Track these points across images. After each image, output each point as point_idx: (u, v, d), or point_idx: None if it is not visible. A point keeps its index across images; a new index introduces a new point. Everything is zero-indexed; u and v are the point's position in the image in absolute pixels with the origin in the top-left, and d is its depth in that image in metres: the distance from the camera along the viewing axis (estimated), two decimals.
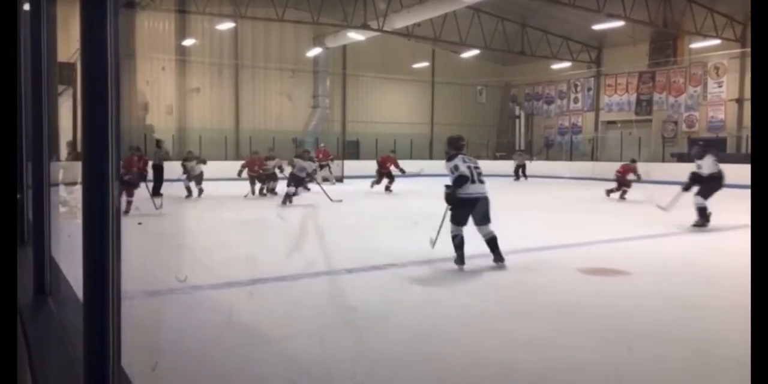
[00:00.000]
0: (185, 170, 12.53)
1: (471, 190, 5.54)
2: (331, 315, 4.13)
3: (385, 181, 15.32)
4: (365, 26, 20.95)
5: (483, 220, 5.58)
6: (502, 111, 30.76)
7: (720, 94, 22.02)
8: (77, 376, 1.36)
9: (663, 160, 22.02)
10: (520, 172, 21.76)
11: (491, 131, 29.82)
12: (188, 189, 12.48)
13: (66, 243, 2.41)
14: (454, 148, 5.84)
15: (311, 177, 11.79)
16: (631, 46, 23.93)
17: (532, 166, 22.66)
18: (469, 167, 5.59)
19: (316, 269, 5.42)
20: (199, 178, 12.61)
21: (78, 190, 1.28)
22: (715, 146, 21.20)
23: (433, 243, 5.87)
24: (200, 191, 12.67)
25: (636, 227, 8.81)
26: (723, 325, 3.91)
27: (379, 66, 26.07)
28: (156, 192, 12.15)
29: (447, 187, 5.58)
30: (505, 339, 3.60)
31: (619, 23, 19.54)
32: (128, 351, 1.35)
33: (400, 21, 20.61)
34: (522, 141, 28.61)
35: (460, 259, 5.53)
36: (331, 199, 11.13)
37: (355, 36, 22.31)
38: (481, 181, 5.64)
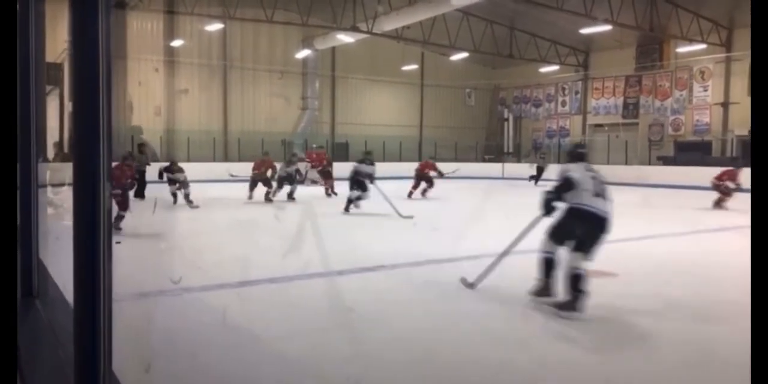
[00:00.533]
0: (170, 179, 11.64)
1: (589, 202, 4.20)
2: (324, 316, 4.11)
3: (423, 185, 14.59)
4: (354, 28, 20.96)
5: (588, 247, 4.15)
6: (490, 114, 30.89)
7: (705, 98, 22.27)
8: (67, 379, 1.35)
9: (650, 164, 22.22)
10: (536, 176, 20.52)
11: (480, 134, 29.94)
12: (174, 195, 11.70)
13: (54, 245, 2.38)
14: (573, 157, 4.64)
15: (371, 181, 10.84)
16: (618, 49, 24.14)
17: (524, 168, 22.63)
18: (593, 178, 4.33)
19: (310, 271, 5.39)
20: (184, 185, 11.55)
21: (65, 191, 1.26)
22: (701, 150, 21.50)
23: (472, 285, 4.78)
24: (186, 195, 11.51)
25: (630, 228, 8.83)
26: (719, 325, 3.92)
27: (369, 68, 26.09)
28: (139, 194, 11.92)
29: (548, 192, 4.42)
30: (497, 339, 3.61)
31: (606, 27, 19.72)
32: (119, 354, 1.34)
33: (390, 23, 20.64)
34: (510, 144, 28.76)
35: (544, 288, 4.28)
36: (401, 215, 9.89)
37: (345, 38, 22.32)
38: (606, 198, 4.27)
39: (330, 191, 14.55)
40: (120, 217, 7.58)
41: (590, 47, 25.79)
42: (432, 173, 14.80)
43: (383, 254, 6.37)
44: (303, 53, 24.52)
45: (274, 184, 12.89)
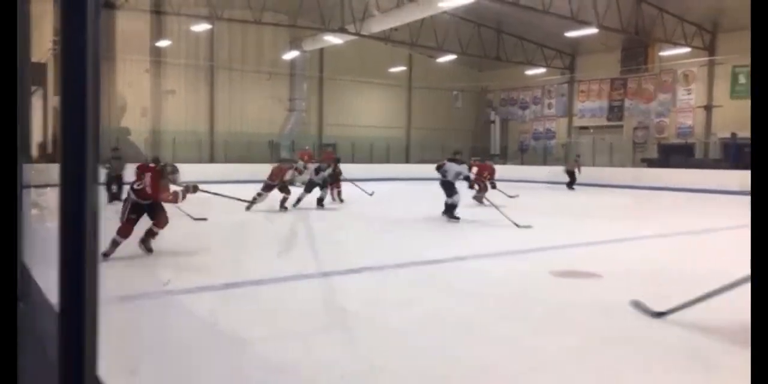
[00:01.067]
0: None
1: None
2: (311, 317, 4.08)
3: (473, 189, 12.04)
4: (342, 30, 20.96)
5: None
6: (477, 116, 31.04)
7: (689, 101, 22.57)
8: (51, 383, 1.33)
9: (633, 166, 22.46)
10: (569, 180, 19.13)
11: (467, 136, 30.06)
12: None
13: (38, 246, 2.35)
14: None
15: (471, 184, 9.76)
16: (604, 53, 24.39)
17: (510, 170, 22.70)
18: None
19: (299, 272, 5.36)
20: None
21: (48, 192, 1.25)
22: (684, 152, 21.79)
23: (660, 314, 4.02)
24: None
25: (615, 230, 8.90)
26: (699, 326, 3.93)
27: (357, 70, 26.10)
28: (117, 197, 11.43)
29: None
30: (482, 338, 3.61)
31: (591, 31, 19.89)
32: (105, 358, 1.32)
33: (378, 25, 20.67)
34: (497, 146, 28.95)
35: None
36: (517, 225, 8.77)
37: (333, 39, 22.31)
38: None
39: (337, 197, 12.98)
40: (115, 243, 5.75)
41: (576, 50, 26.01)
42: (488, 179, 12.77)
43: (373, 256, 6.37)
44: (291, 54, 24.47)
45: (300, 190, 11.76)
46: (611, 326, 3.94)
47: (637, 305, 4.22)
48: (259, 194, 11.15)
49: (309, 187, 11.69)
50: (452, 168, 9.73)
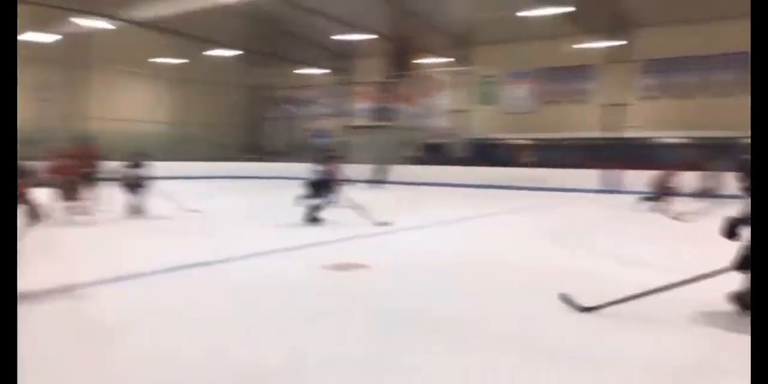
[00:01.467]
0: None
1: None
2: (61, 336, 3.63)
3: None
4: (105, 15, 19.12)
5: None
6: (256, 113, 30.87)
7: (444, 105, 25.58)
8: None
9: (400, 164, 24.59)
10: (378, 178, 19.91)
11: (239, 132, 29.68)
12: None
13: None
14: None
15: (330, 190, 9.27)
16: (378, 58, 26.37)
17: (292, 167, 23.05)
18: None
19: (56, 286, 4.78)
20: None
21: None
22: (441, 151, 24.82)
23: (589, 308, 4.07)
24: None
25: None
26: (478, 310, 4.30)
27: (123, 58, 24.04)
28: None
29: (735, 219, 3.84)
30: (257, 339, 3.62)
31: (362, 36, 21.17)
32: None
33: (148, 11, 19.31)
34: (276, 143, 29.22)
35: None
36: (377, 222, 9.15)
37: (98, 23, 20.13)
38: None
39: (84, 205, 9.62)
40: None
41: (354, 53, 27.50)
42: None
43: (144, 261, 6.04)
44: (42, 37, 21.44)
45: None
46: (388, 319, 4.05)
47: (565, 298, 4.25)
48: (57, 200, 8.88)
49: (133, 188, 10.08)
50: (317, 168, 9.64)
